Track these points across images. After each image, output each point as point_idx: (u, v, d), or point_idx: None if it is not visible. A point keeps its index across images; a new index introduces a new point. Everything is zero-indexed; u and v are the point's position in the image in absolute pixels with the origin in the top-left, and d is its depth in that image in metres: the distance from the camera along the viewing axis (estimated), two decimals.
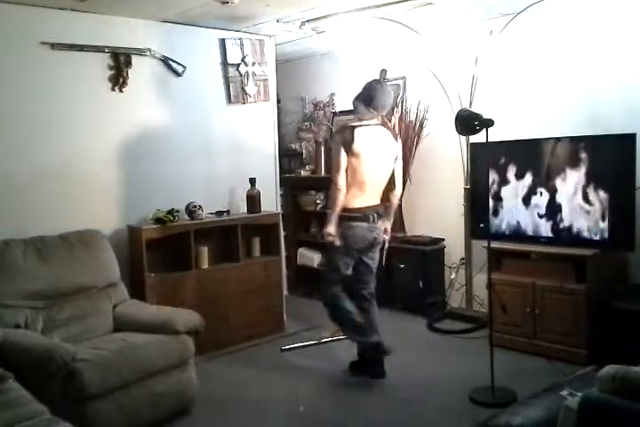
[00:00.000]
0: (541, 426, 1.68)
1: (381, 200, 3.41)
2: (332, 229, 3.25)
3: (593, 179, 3.51)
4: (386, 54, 4.96)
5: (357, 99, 3.34)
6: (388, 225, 3.50)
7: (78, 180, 3.57)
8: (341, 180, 3.22)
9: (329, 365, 3.65)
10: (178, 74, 4.00)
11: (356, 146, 3.19)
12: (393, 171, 3.40)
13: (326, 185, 5.00)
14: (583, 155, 3.55)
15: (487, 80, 4.22)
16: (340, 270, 3.35)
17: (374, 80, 3.51)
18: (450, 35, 4.46)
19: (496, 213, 3.95)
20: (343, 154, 3.19)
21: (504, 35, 3.97)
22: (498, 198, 3.94)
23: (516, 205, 3.87)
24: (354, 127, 3.25)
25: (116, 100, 3.71)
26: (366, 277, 3.45)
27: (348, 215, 3.25)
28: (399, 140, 3.44)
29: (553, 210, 3.71)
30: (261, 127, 4.50)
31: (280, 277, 4.35)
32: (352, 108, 3.43)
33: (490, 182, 3.85)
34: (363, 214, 3.26)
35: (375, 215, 3.31)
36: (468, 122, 3.22)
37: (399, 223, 4.85)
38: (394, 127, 4.65)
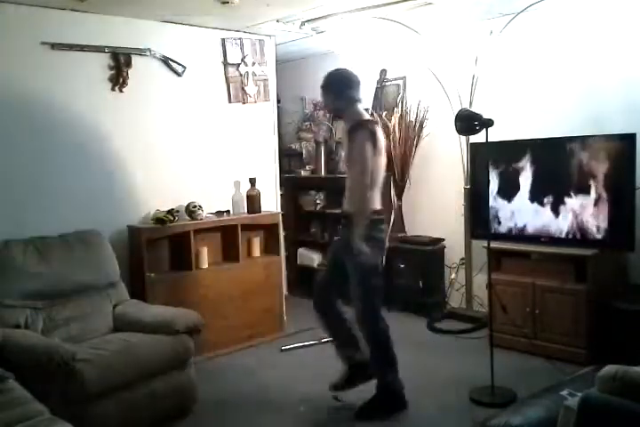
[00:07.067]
0: (541, 426, 1.68)
1: None
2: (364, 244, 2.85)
3: (593, 179, 3.51)
4: (386, 54, 4.97)
5: (349, 90, 3.03)
6: None
7: (78, 179, 3.57)
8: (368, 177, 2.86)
9: (329, 365, 3.65)
10: (178, 74, 4.00)
11: (379, 142, 2.92)
12: None
13: (326, 185, 5.06)
14: (583, 155, 3.55)
15: (487, 80, 4.22)
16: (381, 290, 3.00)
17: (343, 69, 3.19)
18: (450, 35, 4.46)
19: (495, 213, 3.95)
20: (371, 151, 2.85)
21: (504, 35, 3.97)
22: (497, 198, 3.94)
23: (516, 205, 3.87)
24: (374, 122, 3.00)
25: (116, 100, 3.71)
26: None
27: (378, 218, 2.95)
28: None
29: (552, 210, 3.70)
30: (261, 127, 4.50)
31: (280, 278, 4.35)
32: (343, 102, 3.04)
33: (490, 182, 3.85)
34: (384, 216, 3.04)
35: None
36: (467, 122, 3.22)
37: (399, 223, 4.85)
38: (394, 127, 4.66)
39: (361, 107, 3.05)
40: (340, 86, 3.03)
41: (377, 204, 2.96)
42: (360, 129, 2.90)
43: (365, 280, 2.94)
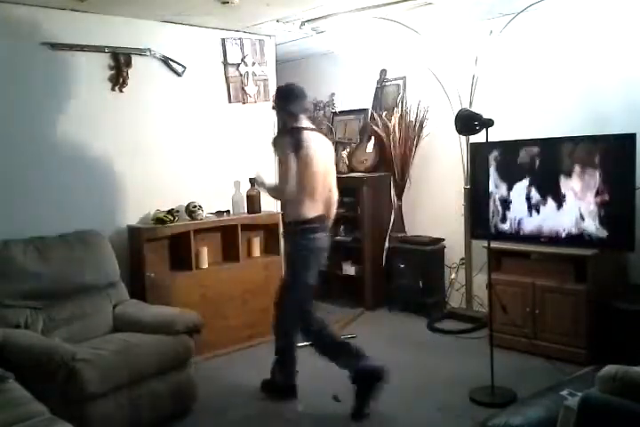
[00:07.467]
0: (541, 426, 1.68)
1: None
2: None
3: (593, 179, 3.51)
4: (386, 54, 4.97)
5: (288, 104, 3.07)
6: None
7: (78, 179, 3.57)
8: (291, 185, 2.94)
9: (329, 365, 3.65)
10: (178, 74, 4.00)
11: (309, 150, 2.94)
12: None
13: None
14: (583, 155, 3.55)
15: (487, 80, 4.22)
16: (306, 296, 3.08)
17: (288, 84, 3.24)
18: (450, 35, 4.46)
19: (495, 213, 3.95)
20: (294, 158, 2.91)
21: (504, 35, 3.97)
22: (497, 198, 3.94)
23: (516, 205, 3.87)
24: (301, 129, 3.00)
25: (116, 100, 3.71)
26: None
27: (309, 226, 2.98)
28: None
29: (553, 210, 3.71)
30: (261, 127, 4.50)
31: (280, 278, 4.34)
32: (285, 114, 3.09)
33: (490, 182, 3.85)
34: (321, 224, 3.04)
35: (327, 224, 3.12)
36: (467, 122, 3.22)
37: (399, 223, 4.86)
38: (394, 127, 4.66)
39: (303, 118, 3.10)
40: (282, 101, 3.11)
41: (311, 212, 3.00)
42: (282, 136, 3.02)
43: (294, 275, 3.09)
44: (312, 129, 3.11)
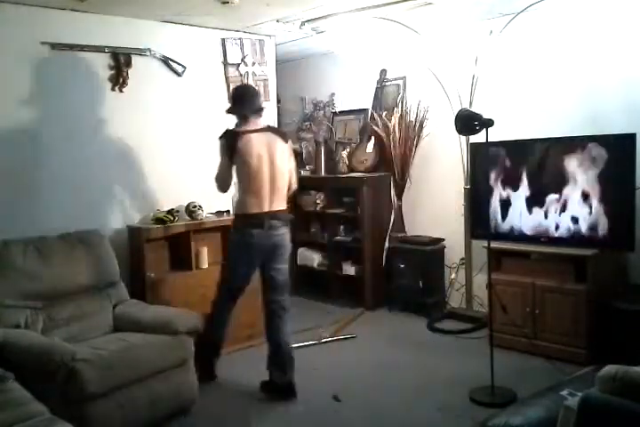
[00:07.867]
0: (541, 426, 1.68)
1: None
2: None
3: (593, 179, 3.51)
4: (386, 54, 4.97)
5: (242, 106, 3.21)
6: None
7: (78, 179, 3.57)
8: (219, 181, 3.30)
9: (329, 365, 3.65)
10: (178, 74, 4.00)
11: (243, 150, 3.09)
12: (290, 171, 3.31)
13: (326, 185, 5.07)
14: (583, 155, 3.55)
15: (487, 80, 4.22)
16: (232, 281, 3.27)
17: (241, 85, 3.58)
18: (450, 35, 4.46)
19: (495, 213, 3.95)
20: (226, 158, 3.15)
21: (504, 35, 3.97)
22: (497, 199, 3.94)
23: (516, 205, 3.87)
24: (239, 134, 3.13)
25: (116, 100, 3.71)
26: (275, 291, 3.27)
27: (246, 221, 3.14)
28: (289, 140, 3.35)
29: (553, 210, 3.71)
30: None
31: None
32: (238, 117, 3.24)
33: (490, 182, 3.85)
34: (260, 221, 3.12)
35: (274, 222, 3.15)
36: (467, 122, 3.22)
37: (399, 223, 4.86)
38: (394, 127, 4.66)
39: (254, 120, 3.21)
40: (237, 105, 3.26)
41: (252, 208, 3.14)
42: (221, 139, 3.19)
43: (226, 264, 3.39)
44: (259, 130, 3.18)
